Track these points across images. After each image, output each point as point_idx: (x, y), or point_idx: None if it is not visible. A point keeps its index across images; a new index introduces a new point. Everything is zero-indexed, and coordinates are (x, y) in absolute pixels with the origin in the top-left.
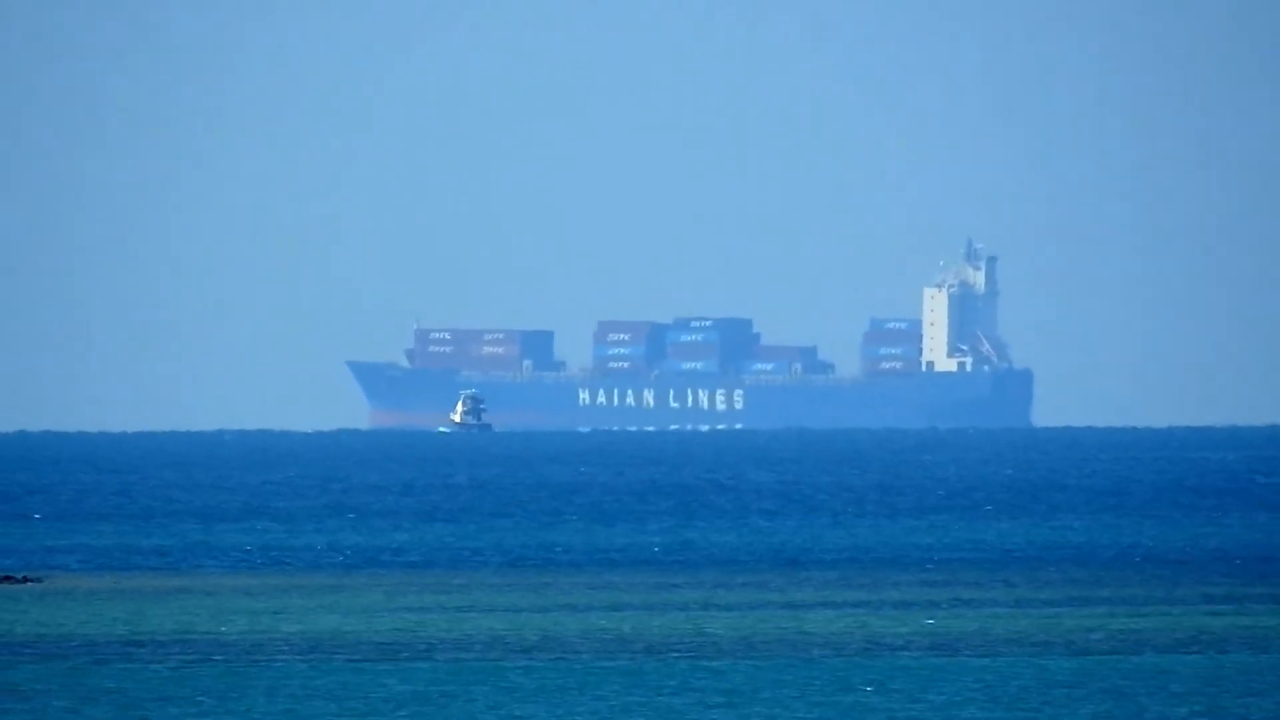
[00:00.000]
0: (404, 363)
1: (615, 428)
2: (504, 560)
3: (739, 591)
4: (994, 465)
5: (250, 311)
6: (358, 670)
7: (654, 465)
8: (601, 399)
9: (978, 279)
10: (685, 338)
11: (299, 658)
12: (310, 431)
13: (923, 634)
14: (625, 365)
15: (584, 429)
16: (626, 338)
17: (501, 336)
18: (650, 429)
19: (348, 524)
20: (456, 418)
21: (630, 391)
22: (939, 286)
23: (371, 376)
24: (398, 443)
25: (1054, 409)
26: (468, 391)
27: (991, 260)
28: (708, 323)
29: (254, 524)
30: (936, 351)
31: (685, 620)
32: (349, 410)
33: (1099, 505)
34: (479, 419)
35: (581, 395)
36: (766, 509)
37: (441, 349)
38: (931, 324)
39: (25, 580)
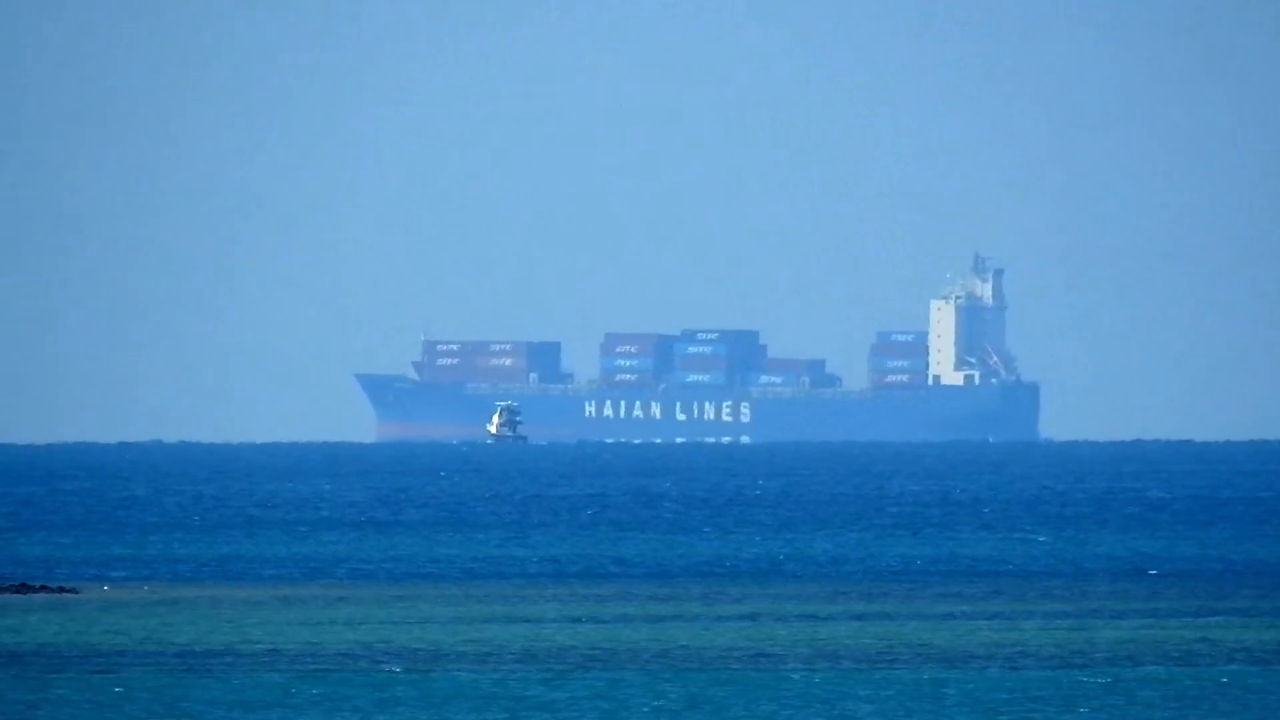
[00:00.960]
0: (412, 375)
1: (621, 440)
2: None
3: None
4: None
5: (258, 324)
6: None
7: (783, 476)
8: (608, 411)
9: (985, 291)
10: (692, 350)
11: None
12: (327, 442)
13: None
14: (632, 378)
15: (593, 440)
16: (634, 350)
17: (509, 348)
18: (657, 441)
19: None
20: (494, 429)
21: (637, 403)
22: (946, 299)
23: (379, 389)
24: (444, 454)
25: (1061, 422)
26: (504, 403)
27: (999, 272)
28: (715, 335)
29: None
30: (944, 364)
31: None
32: (356, 423)
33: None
34: (515, 431)
35: (588, 407)
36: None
37: (449, 361)
38: (938, 336)
39: (62, 590)
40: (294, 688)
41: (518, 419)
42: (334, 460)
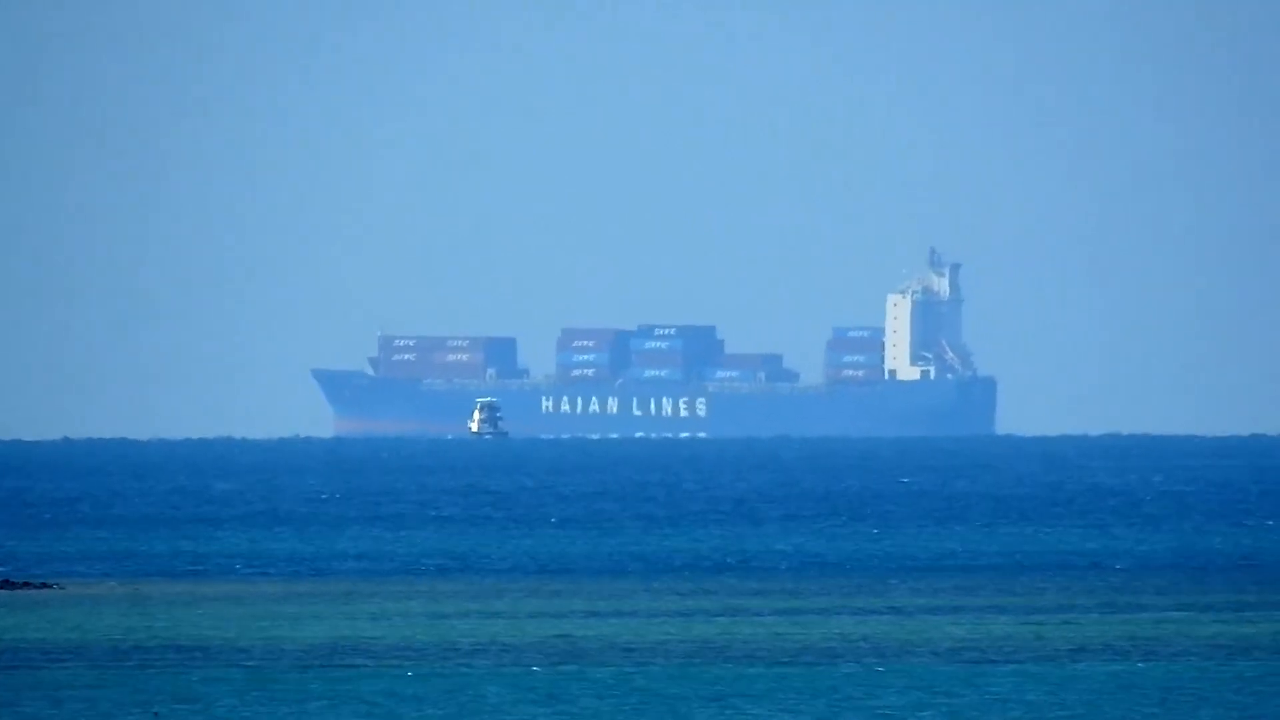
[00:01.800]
0: (368, 370)
1: (578, 436)
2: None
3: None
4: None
5: (214, 319)
6: (376, 675)
7: (821, 472)
8: (565, 407)
9: (941, 285)
10: (649, 345)
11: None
12: (283, 438)
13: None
14: (589, 373)
15: (547, 437)
16: (590, 345)
17: (465, 344)
18: (614, 436)
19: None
20: (475, 426)
21: (594, 399)
22: (902, 293)
23: (336, 384)
24: (448, 449)
25: (1017, 417)
26: (484, 399)
27: (955, 267)
28: (672, 330)
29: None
30: (899, 359)
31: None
32: (313, 418)
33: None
34: (496, 427)
35: (545, 403)
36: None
37: (406, 357)
38: (895, 331)
39: (45, 586)
40: (296, 681)
41: (498, 415)
42: (336, 456)
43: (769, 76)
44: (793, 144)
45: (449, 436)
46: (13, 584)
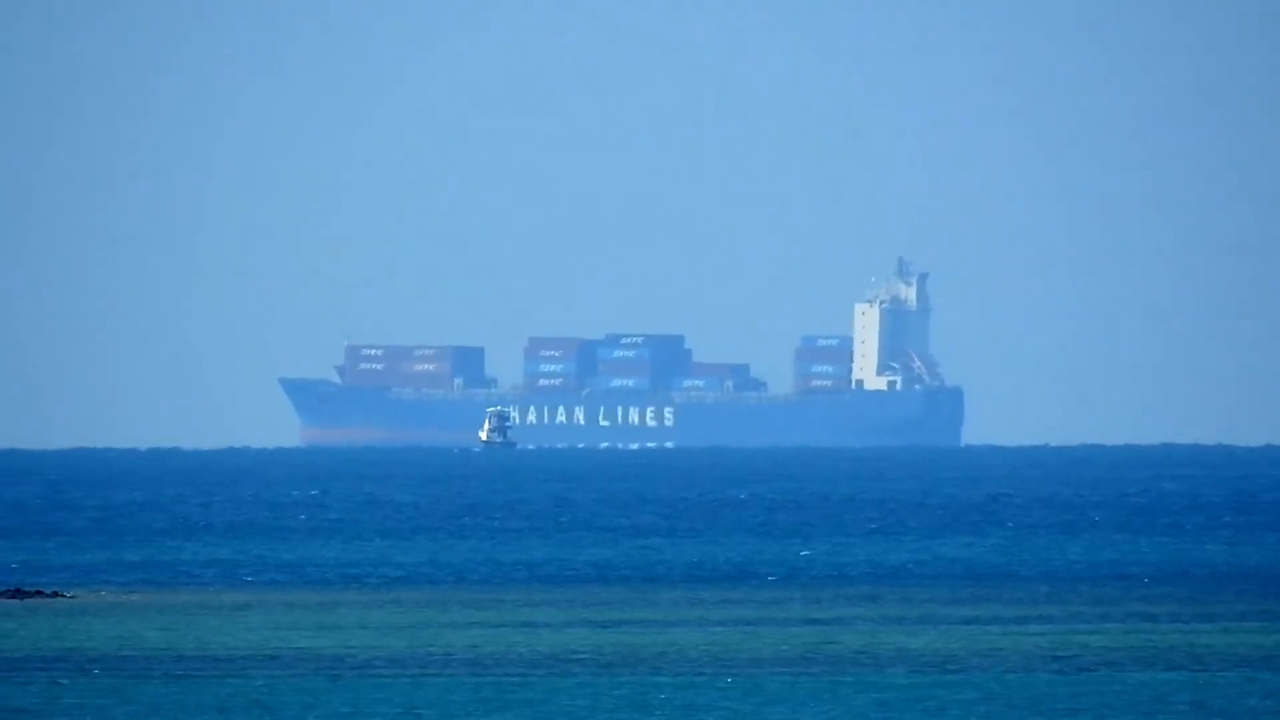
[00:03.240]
0: (335, 379)
1: (544, 446)
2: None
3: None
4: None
5: (180, 328)
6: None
7: (832, 481)
8: (532, 417)
9: (909, 295)
10: (616, 354)
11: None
12: (249, 447)
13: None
14: (556, 382)
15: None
16: (557, 354)
17: (432, 353)
18: (580, 446)
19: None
20: (484, 435)
21: (561, 409)
22: (870, 302)
23: (303, 393)
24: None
25: (983, 428)
26: (493, 409)
27: (923, 276)
28: (639, 339)
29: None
30: (867, 369)
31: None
32: (279, 427)
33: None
34: (505, 436)
35: (512, 412)
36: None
37: (373, 366)
38: (863, 341)
39: (56, 595)
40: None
41: (508, 425)
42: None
43: (738, 86)
44: (761, 153)
45: (460, 447)
46: (24, 593)
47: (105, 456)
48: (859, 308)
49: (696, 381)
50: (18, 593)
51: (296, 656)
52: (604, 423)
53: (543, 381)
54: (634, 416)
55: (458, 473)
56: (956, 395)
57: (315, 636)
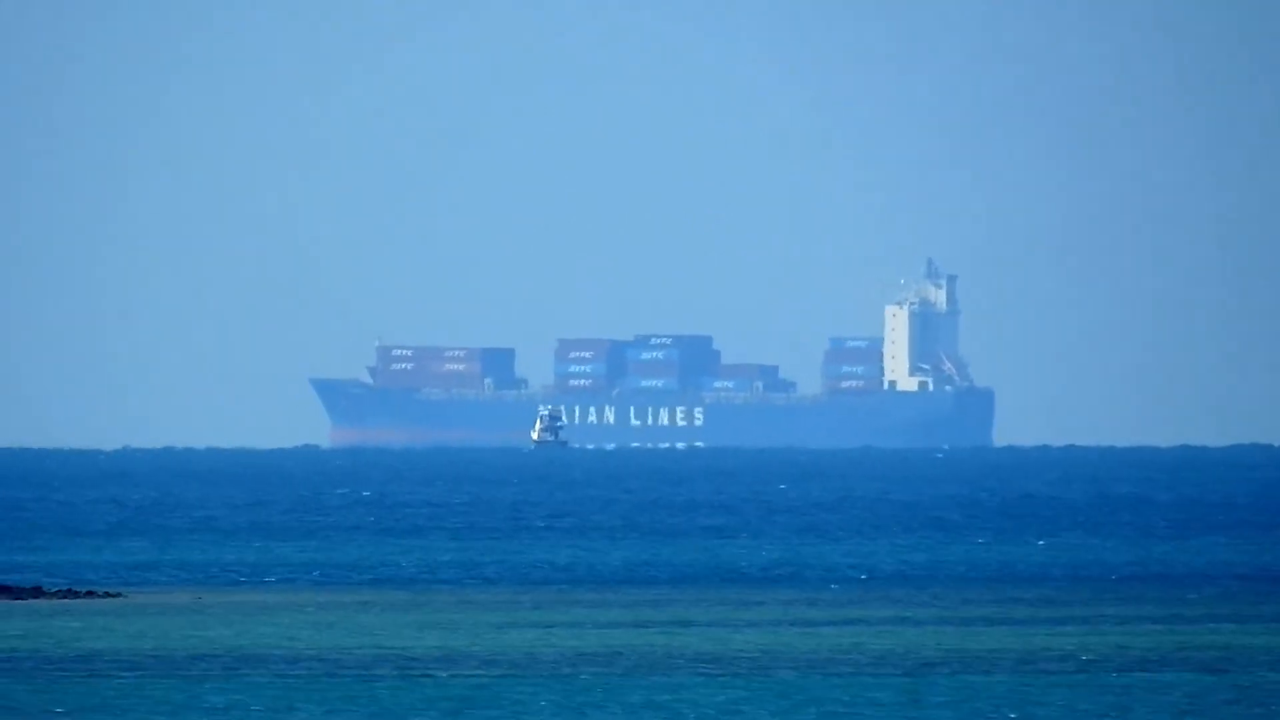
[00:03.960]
0: (367, 380)
1: (574, 445)
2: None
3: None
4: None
5: (212, 328)
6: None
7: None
8: (562, 417)
9: (939, 297)
10: (646, 355)
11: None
12: (281, 448)
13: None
14: (586, 383)
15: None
16: (587, 355)
17: (463, 354)
18: (610, 446)
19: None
20: (536, 435)
21: (591, 409)
22: (900, 304)
23: (333, 394)
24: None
25: (1014, 428)
26: (545, 409)
27: (952, 278)
28: (668, 340)
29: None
30: (898, 370)
31: None
32: (310, 428)
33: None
34: (556, 436)
35: (542, 413)
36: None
37: (403, 366)
38: (893, 343)
39: (107, 595)
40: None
41: (559, 424)
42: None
43: (765, 86)
44: (790, 154)
45: (516, 445)
46: (77, 593)
47: (143, 456)
48: (889, 309)
49: (726, 382)
50: (70, 593)
51: (393, 656)
52: (634, 423)
53: (573, 382)
54: (663, 417)
55: (543, 473)
56: (987, 396)
57: (423, 636)
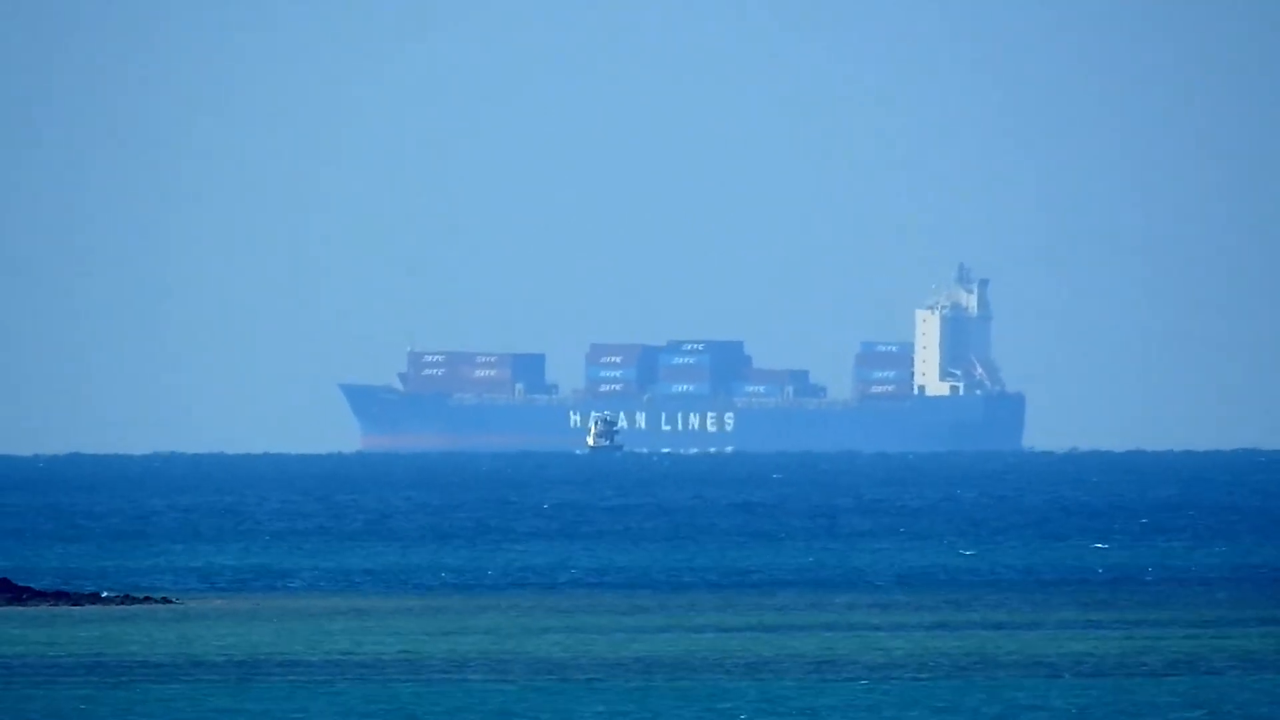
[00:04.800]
0: (397, 385)
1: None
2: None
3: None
4: None
5: (242, 334)
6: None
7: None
8: (618, 421)
9: (970, 301)
10: (677, 360)
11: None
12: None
13: None
14: (617, 388)
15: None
16: (618, 360)
17: (494, 359)
18: (644, 451)
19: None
20: (591, 440)
21: (621, 413)
22: (931, 309)
23: (364, 399)
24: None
25: (1045, 433)
26: (599, 414)
27: (984, 283)
28: (699, 345)
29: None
30: (929, 375)
31: None
32: (340, 434)
33: None
34: (612, 441)
35: (573, 418)
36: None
37: (434, 371)
38: (924, 347)
39: (165, 601)
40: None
41: (615, 429)
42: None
43: (796, 91)
44: (821, 158)
45: (576, 450)
46: (133, 599)
47: (177, 461)
48: (919, 314)
49: (757, 387)
50: (127, 598)
51: (427, 659)
52: (665, 428)
53: (604, 387)
54: (694, 422)
55: (644, 478)
56: (1018, 401)
57: (477, 640)
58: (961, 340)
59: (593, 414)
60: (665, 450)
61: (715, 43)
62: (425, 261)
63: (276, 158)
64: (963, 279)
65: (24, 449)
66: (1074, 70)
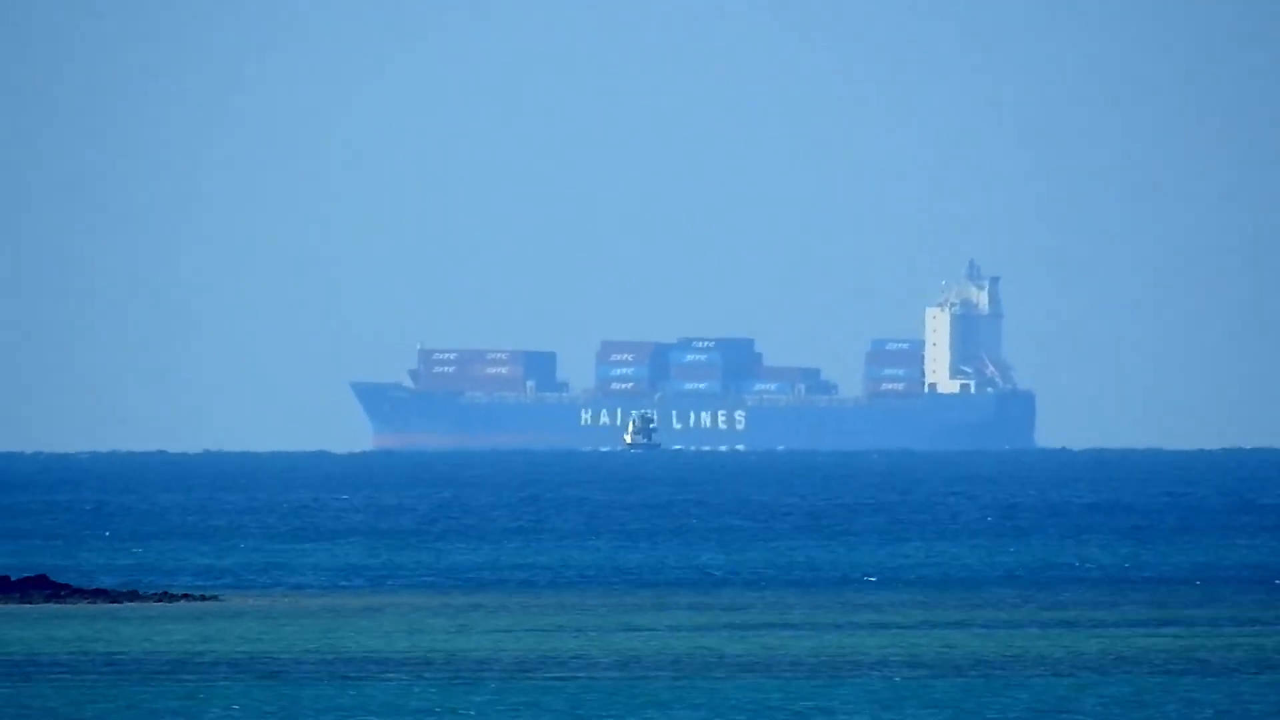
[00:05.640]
0: (408, 383)
1: (618, 448)
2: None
3: None
4: None
5: (253, 332)
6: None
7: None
8: (604, 419)
9: (981, 299)
10: (688, 358)
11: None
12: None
13: None
14: (628, 386)
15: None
16: (629, 358)
17: (505, 357)
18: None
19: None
20: (628, 438)
21: (633, 412)
22: (941, 307)
23: (375, 398)
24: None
25: (1056, 431)
26: (638, 411)
27: (994, 280)
28: (710, 343)
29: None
30: (939, 373)
31: None
32: (351, 432)
33: None
34: (650, 439)
35: (584, 415)
36: None
37: (445, 369)
38: (934, 345)
39: (204, 599)
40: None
41: (652, 426)
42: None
43: (806, 89)
44: (831, 156)
45: (605, 449)
46: (173, 595)
47: (189, 461)
48: (930, 312)
49: (768, 385)
50: (166, 595)
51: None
52: (676, 425)
53: (614, 385)
54: (705, 419)
55: (691, 477)
56: (1029, 399)
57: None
58: (972, 338)
59: (631, 412)
60: (677, 447)
61: (729, 40)
62: (436, 259)
63: (288, 157)
64: (973, 276)
65: (56, 447)
66: (1085, 69)
